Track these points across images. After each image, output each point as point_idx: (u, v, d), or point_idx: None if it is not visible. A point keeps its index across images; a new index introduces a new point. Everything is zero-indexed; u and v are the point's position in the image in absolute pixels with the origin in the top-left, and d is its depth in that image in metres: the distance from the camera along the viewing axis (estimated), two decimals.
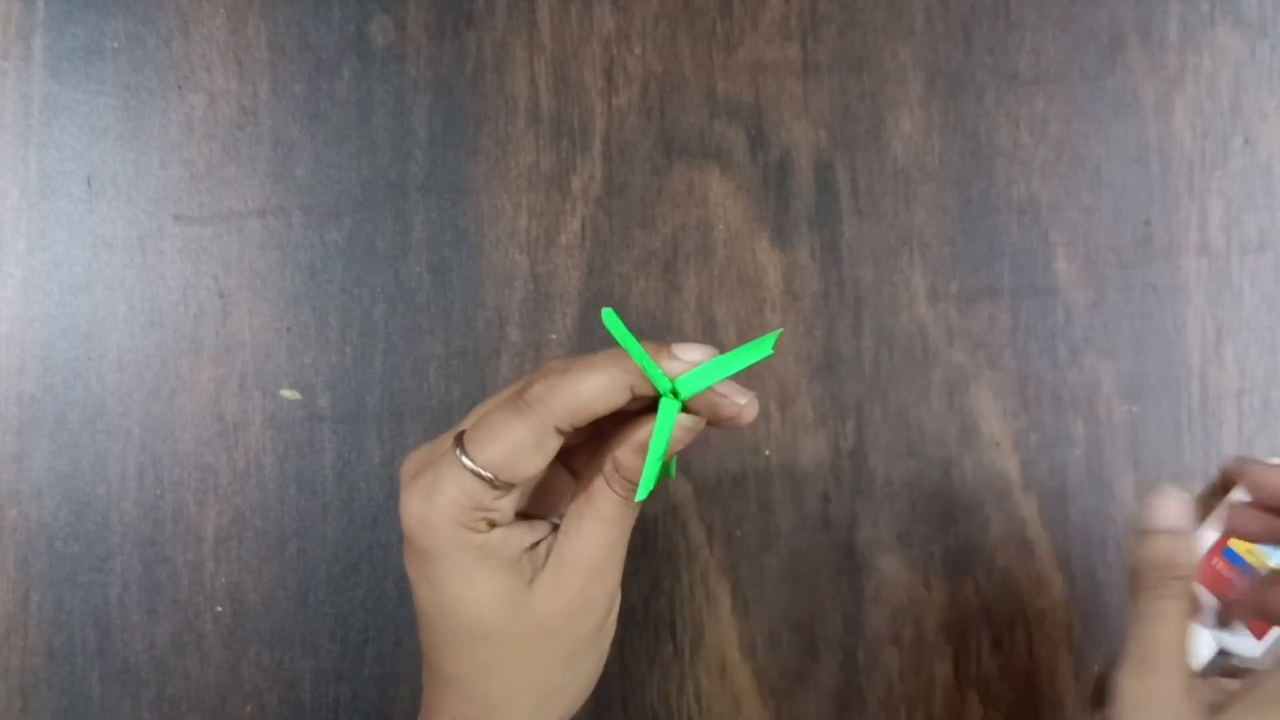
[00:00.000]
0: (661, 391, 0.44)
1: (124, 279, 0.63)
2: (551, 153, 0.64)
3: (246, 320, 0.63)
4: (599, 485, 0.46)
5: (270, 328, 0.63)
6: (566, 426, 0.43)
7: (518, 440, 0.43)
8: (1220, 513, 0.62)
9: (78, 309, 0.63)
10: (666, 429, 0.44)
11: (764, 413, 0.63)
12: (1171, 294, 0.63)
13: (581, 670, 0.48)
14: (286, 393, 0.63)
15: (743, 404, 0.45)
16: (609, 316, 0.42)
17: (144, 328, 0.63)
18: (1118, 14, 0.64)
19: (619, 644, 0.62)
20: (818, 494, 0.63)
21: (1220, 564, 0.60)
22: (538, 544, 0.46)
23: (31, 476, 0.62)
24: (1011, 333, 0.63)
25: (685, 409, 0.44)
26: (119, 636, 0.62)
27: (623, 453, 0.45)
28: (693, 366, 0.44)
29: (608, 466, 0.45)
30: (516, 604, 0.45)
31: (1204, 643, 0.60)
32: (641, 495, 0.44)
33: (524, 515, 0.47)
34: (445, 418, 0.63)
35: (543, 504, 0.48)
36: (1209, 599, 0.60)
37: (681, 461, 0.63)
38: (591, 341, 0.63)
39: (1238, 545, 0.60)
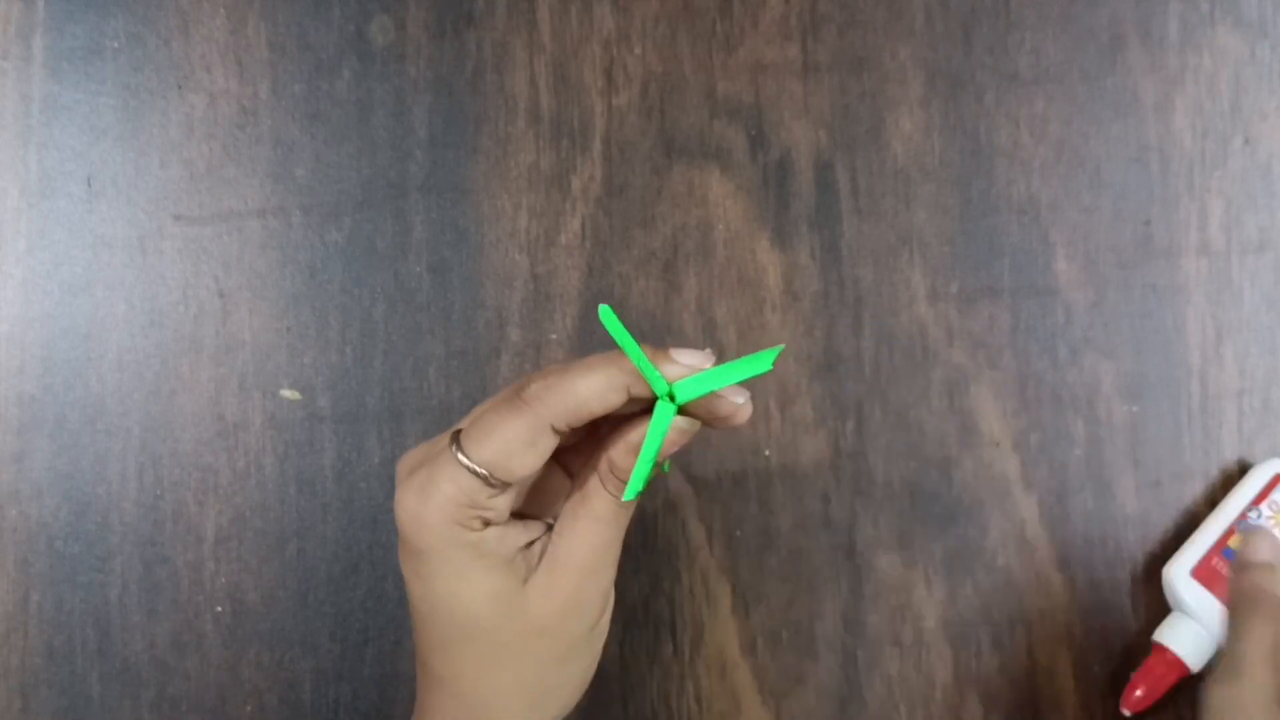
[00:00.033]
0: (658, 394, 0.44)
1: (124, 279, 0.63)
2: (551, 153, 0.64)
3: (246, 320, 0.63)
4: (593, 485, 0.46)
5: (270, 328, 0.63)
6: (563, 426, 0.44)
7: (514, 438, 0.43)
8: (1222, 513, 0.62)
9: (78, 309, 0.63)
10: (660, 431, 0.44)
11: (764, 413, 0.63)
12: (1171, 294, 0.63)
13: (575, 670, 0.48)
14: (286, 393, 0.63)
15: (739, 404, 0.45)
16: (606, 314, 0.42)
17: (144, 328, 0.63)
18: (1118, 14, 0.64)
19: (619, 644, 0.62)
20: (818, 494, 0.63)
21: (1220, 563, 0.60)
22: (532, 544, 0.46)
23: (31, 476, 0.62)
24: (1011, 333, 0.63)
25: (681, 411, 0.44)
26: (119, 636, 0.62)
27: (617, 453, 0.45)
28: (691, 370, 0.44)
29: (602, 467, 0.45)
30: (510, 603, 0.45)
31: (1204, 642, 0.60)
32: (629, 495, 0.44)
33: (519, 515, 0.47)
34: (445, 418, 0.63)
35: (538, 504, 0.48)
36: (1209, 599, 0.60)
37: (682, 461, 0.63)
38: (591, 341, 0.63)
39: (1237, 544, 0.60)
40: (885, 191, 0.64)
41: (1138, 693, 0.59)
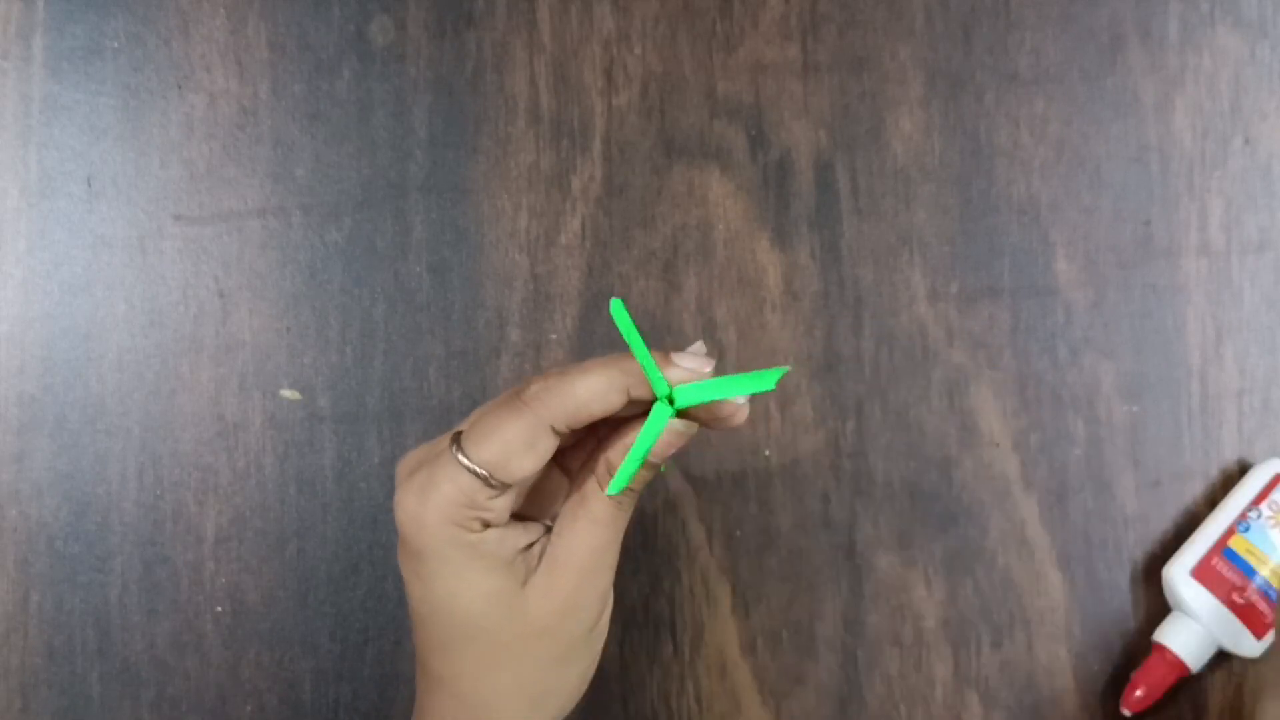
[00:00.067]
0: (658, 395, 0.44)
1: (124, 279, 0.63)
2: (551, 153, 0.64)
3: (246, 320, 0.63)
4: (591, 488, 0.46)
5: (270, 328, 0.63)
6: (562, 427, 0.44)
7: (514, 439, 0.43)
8: (1222, 513, 0.62)
9: (78, 309, 0.63)
10: (654, 432, 0.44)
11: (764, 413, 0.63)
12: (1171, 294, 0.63)
13: (573, 671, 0.48)
14: (286, 393, 0.63)
15: (739, 404, 0.45)
16: (616, 307, 0.43)
17: (144, 328, 0.63)
18: (1118, 14, 0.64)
19: (619, 644, 0.62)
20: (818, 494, 0.63)
21: (1220, 563, 0.60)
22: (532, 545, 0.46)
23: (31, 476, 0.62)
24: (1011, 333, 0.63)
25: (679, 412, 0.45)
26: (119, 636, 0.62)
27: (615, 455, 0.45)
28: (692, 374, 0.44)
29: (600, 469, 0.45)
30: (509, 604, 0.45)
31: (1204, 642, 0.60)
32: (613, 489, 0.44)
33: (519, 517, 0.47)
34: (445, 418, 0.63)
35: (537, 505, 0.48)
36: (1209, 599, 0.60)
37: (682, 461, 0.63)
38: (591, 341, 0.63)
39: (1237, 545, 0.60)
40: (885, 191, 0.64)
41: (1138, 693, 0.59)
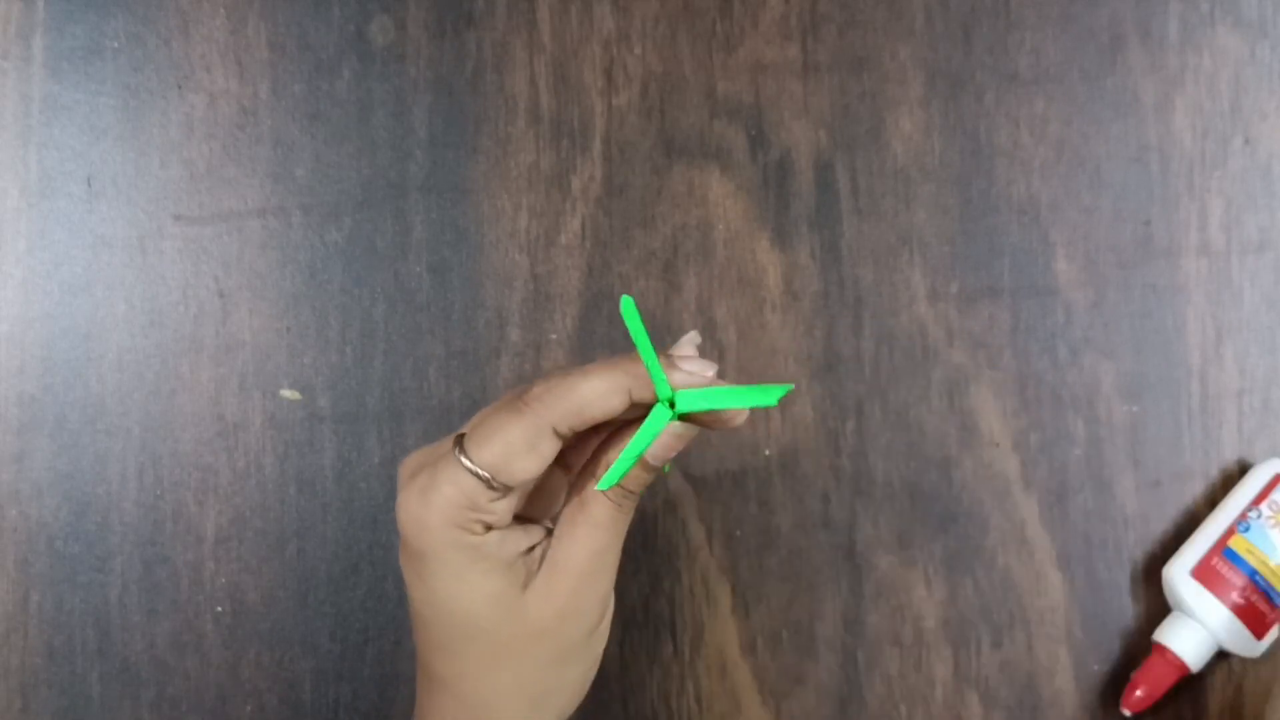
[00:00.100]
0: (660, 397, 0.44)
1: (124, 279, 0.63)
2: (551, 153, 0.64)
3: (246, 320, 0.63)
4: (592, 491, 0.46)
5: (270, 328, 0.63)
6: (565, 429, 0.44)
7: (516, 440, 0.43)
8: (1222, 513, 0.62)
9: (78, 309, 0.63)
10: (652, 432, 0.44)
11: (764, 413, 0.63)
12: (1171, 294, 0.63)
13: (573, 674, 0.48)
14: (286, 393, 0.63)
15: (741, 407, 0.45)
16: (627, 305, 0.42)
17: (144, 328, 0.63)
18: (1118, 14, 0.64)
19: (619, 644, 0.62)
20: (818, 494, 0.63)
21: (1220, 563, 0.60)
22: (533, 548, 0.46)
23: (31, 476, 0.62)
24: (1011, 333, 0.63)
25: (678, 417, 0.45)
26: (119, 636, 0.62)
27: (616, 457, 0.45)
28: (695, 377, 0.44)
29: (600, 471, 0.45)
30: (509, 606, 0.45)
31: (1204, 642, 0.60)
32: (603, 485, 0.44)
33: (519, 517, 0.47)
34: (445, 418, 0.63)
35: (538, 506, 0.48)
36: (1209, 599, 0.60)
37: (682, 461, 0.63)
38: (592, 341, 0.63)
39: (1237, 545, 0.60)
40: (885, 191, 0.64)
41: (1138, 693, 0.59)
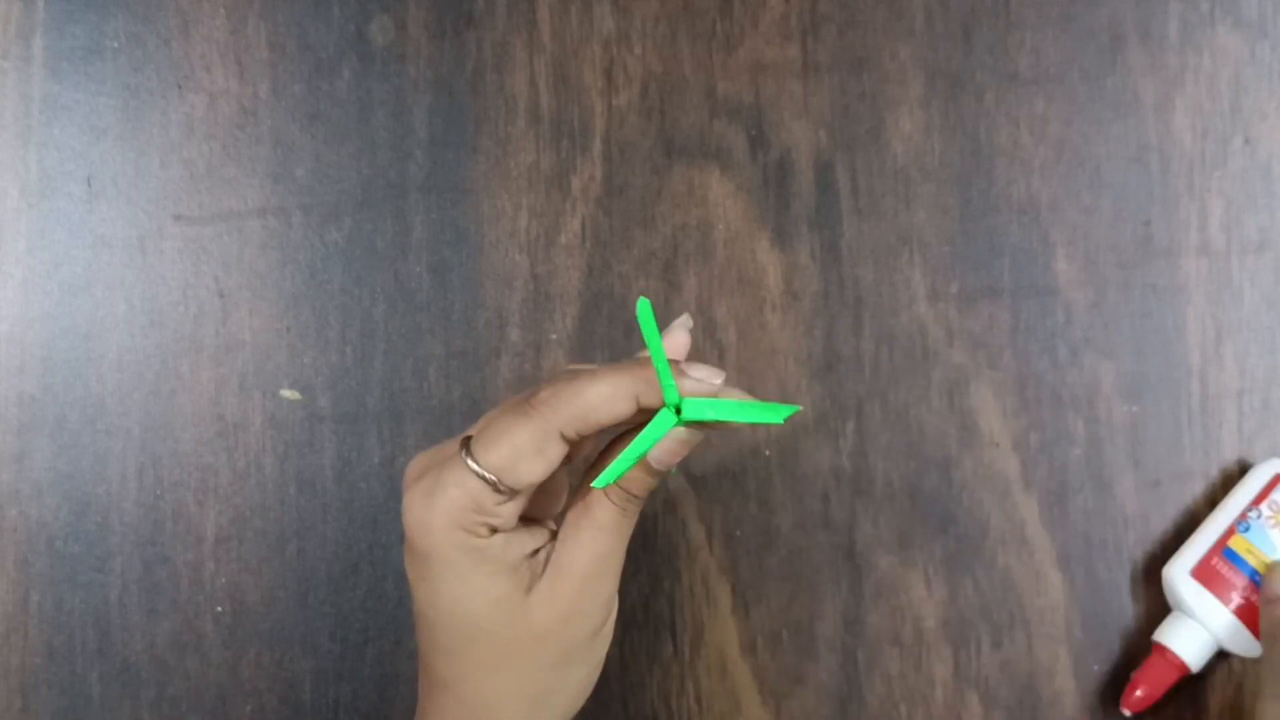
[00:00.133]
0: (667, 401, 0.43)
1: (124, 279, 0.63)
2: (551, 153, 0.64)
3: (246, 320, 0.63)
4: (596, 494, 0.46)
5: (270, 328, 0.63)
6: (571, 433, 0.43)
7: (523, 443, 0.43)
8: (1222, 513, 0.62)
9: (78, 309, 0.63)
10: (654, 436, 0.44)
11: None
12: (1171, 294, 0.63)
13: (577, 676, 0.48)
14: (286, 393, 0.63)
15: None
16: (643, 307, 0.42)
17: (144, 328, 0.63)
18: (1118, 14, 0.64)
19: (619, 644, 0.62)
20: (818, 494, 0.63)
21: (1220, 563, 0.60)
22: (538, 551, 0.46)
23: (31, 476, 0.62)
24: (1011, 333, 0.63)
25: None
26: (119, 636, 0.62)
27: None
28: (703, 384, 0.44)
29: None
30: (513, 609, 0.45)
31: (1204, 643, 0.60)
32: (599, 483, 0.44)
33: (523, 518, 0.47)
34: (445, 418, 0.63)
35: (540, 504, 0.48)
36: (1209, 599, 0.60)
37: (683, 461, 0.63)
38: (592, 341, 0.63)
39: (1237, 545, 0.60)
40: (885, 191, 0.64)
41: (1138, 693, 0.59)
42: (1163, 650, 0.60)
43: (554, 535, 0.47)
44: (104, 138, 0.64)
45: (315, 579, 0.62)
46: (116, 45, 0.64)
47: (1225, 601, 0.59)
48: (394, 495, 0.62)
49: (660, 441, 0.44)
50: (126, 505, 0.62)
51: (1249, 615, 0.59)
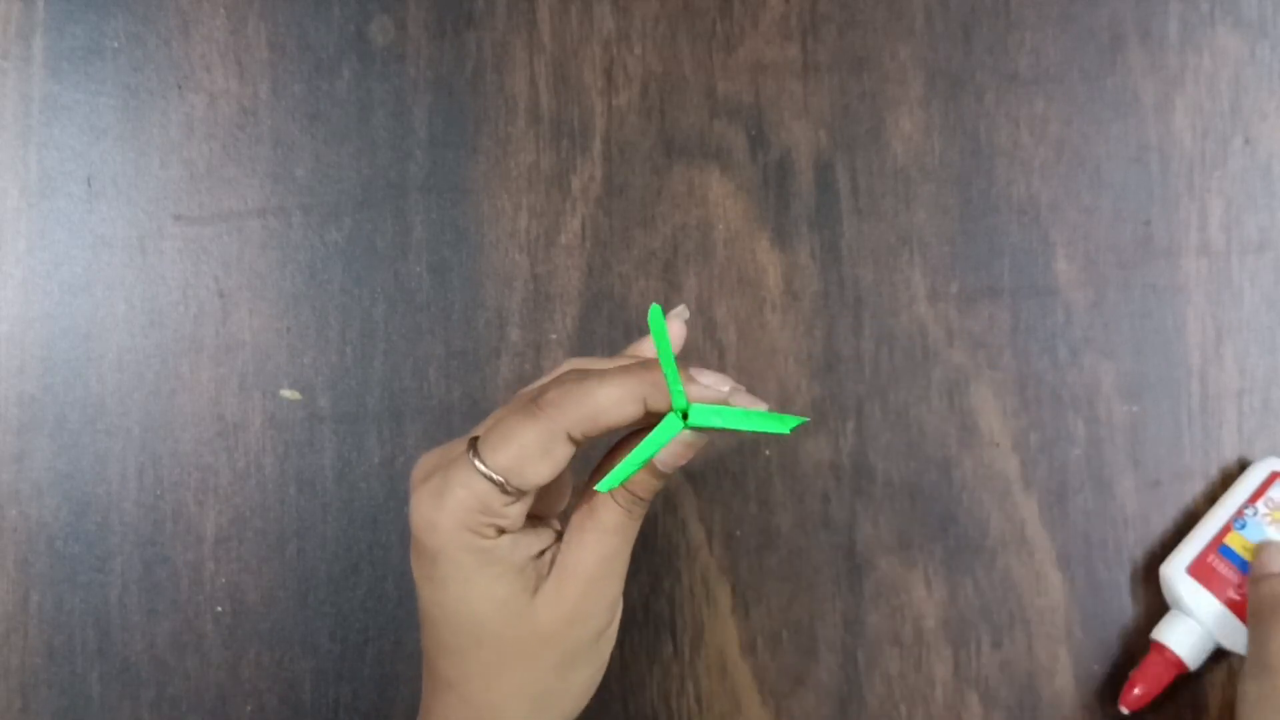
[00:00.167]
0: (675, 406, 0.43)
1: (124, 279, 0.63)
2: (551, 153, 0.64)
3: (246, 320, 0.63)
4: (602, 496, 0.46)
5: (270, 328, 0.63)
6: (579, 435, 0.43)
7: (530, 444, 0.43)
8: (1218, 511, 0.62)
9: (78, 309, 0.63)
10: (659, 441, 0.43)
11: None
12: (1171, 294, 0.64)
13: (580, 677, 0.48)
14: (286, 393, 0.63)
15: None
16: (654, 314, 0.42)
17: (144, 328, 0.63)
18: (1118, 14, 0.64)
19: (619, 644, 0.62)
20: (818, 494, 0.63)
21: (1216, 560, 0.60)
22: (543, 552, 0.46)
23: (31, 476, 0.62)
24: (1011, 333, 0.63)
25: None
26: (119, 636, 0.62)
27: None
28: (711, 390, 0.44)
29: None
30: (518, 611, 0.45)
31: (1201, 640, 0.60)
32: (603, 486, 0.44)
33: (529, 517, 0.47)
34: (445, 418, 0.63)
35: (544, 502, 0.48)
36: (1205, 596, 0.60)
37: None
38: (592, 341, 0.63)
39: (1233, 542, 0.60)
40: (885, 191, 0.64)
41: (1136, 691, 0.60)
42: (1161, 648, 0.60)
43: (559, 536, 0.47)
44: (104, 138, 0.64)
45: (315, 579, 0.62)
46: (116, 45, 0.64)
47: (1222, 598, 0.59)
48: (394, 495, 0.62)
49: (664, 446, 0.44)
50: (126, 505, 0.62)
51: (1245, 612, 0.59)
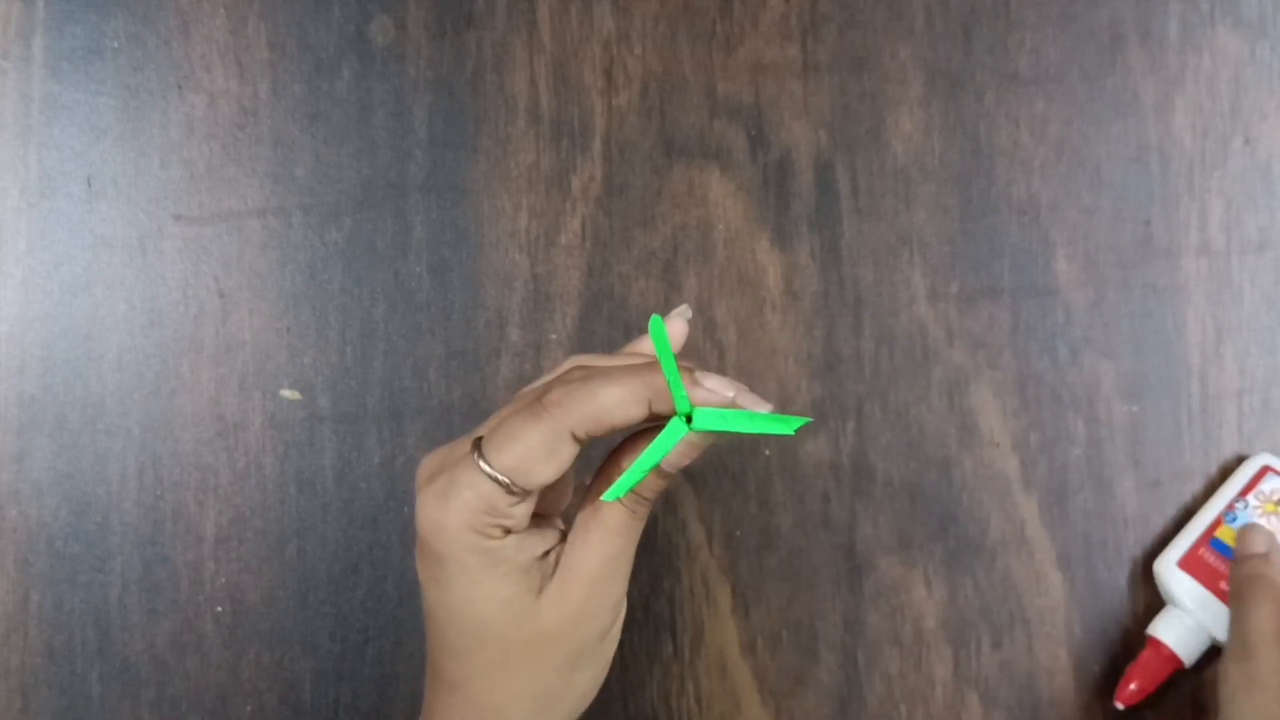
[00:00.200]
0: (679, 411, 0.43)
1: (124, 279, 0.63)
2: (551, 153, 0.64)
3: (246, 320, 0.63)
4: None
5: (270, 328, 0.63)
6: (583, 434, 0.43)
7: (535, 445, 0.43)
8: (1209, 507, 0.62)
9: (78, 309, 0.63)
10: (665, 446, 0.43)
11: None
12: (1171, 294, 0.64)
13: (584, 677, 0.48)
14: (286, 393, 0.63)
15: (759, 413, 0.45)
16: (655, 325, 0.42)
17: (144, 328, 0.63)
18: (1118, 14, 0.64)
19: (619, 644, 0.62)
20: (818, 494, 0.63)
21: (1207, 554, 0.60)
22: (548, 552, 0.46)
23: (31, 476, 0.62)
24: (1011, 333, 0.63)
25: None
26: (119, 636, 0.62)
27: (629, 463, 0.45)
28: (715, 394, 0.43)
29: (615, 478, 0.45)
30: (523, 611, 0.45)
31: (1195, 634, 0.60)
32: (609, 496, 0.44)
33: (533, 516, 0.47)
34: (445, 418, 0.63)
35: (548, 499, 0.48)
36: (1197, 589, 0.60)
37: None
38: (591, 341, 0.63)
39: (1224, 535, 0.60)
40: (885, 191, 0.64)
41: (1131, 686, 0.60)
42: (1156, 644, 0.60)
43: (564, 536, 0.47)
44: (104, 138, 0.64)
45: (315, 579, 0.62)
46: (116, 45, 0.64)
47: (1213, 590, 0.59)
48: (394, 495, 0.62)
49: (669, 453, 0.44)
50: (126, 505, 0.62)
51: None
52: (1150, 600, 0.62)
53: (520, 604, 0.45)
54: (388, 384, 0.63)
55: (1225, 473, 0.63)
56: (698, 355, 0.63)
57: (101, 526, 0.62)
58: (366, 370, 0.63)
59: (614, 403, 0.43)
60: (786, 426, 0.44)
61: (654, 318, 0.42)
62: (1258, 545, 0.59)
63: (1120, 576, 0.62)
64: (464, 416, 0.63)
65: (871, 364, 0.63)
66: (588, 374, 0.44)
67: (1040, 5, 0.64)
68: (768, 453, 0.63)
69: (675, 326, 0.47)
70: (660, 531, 0.63)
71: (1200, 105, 0.64)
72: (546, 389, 0.44)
